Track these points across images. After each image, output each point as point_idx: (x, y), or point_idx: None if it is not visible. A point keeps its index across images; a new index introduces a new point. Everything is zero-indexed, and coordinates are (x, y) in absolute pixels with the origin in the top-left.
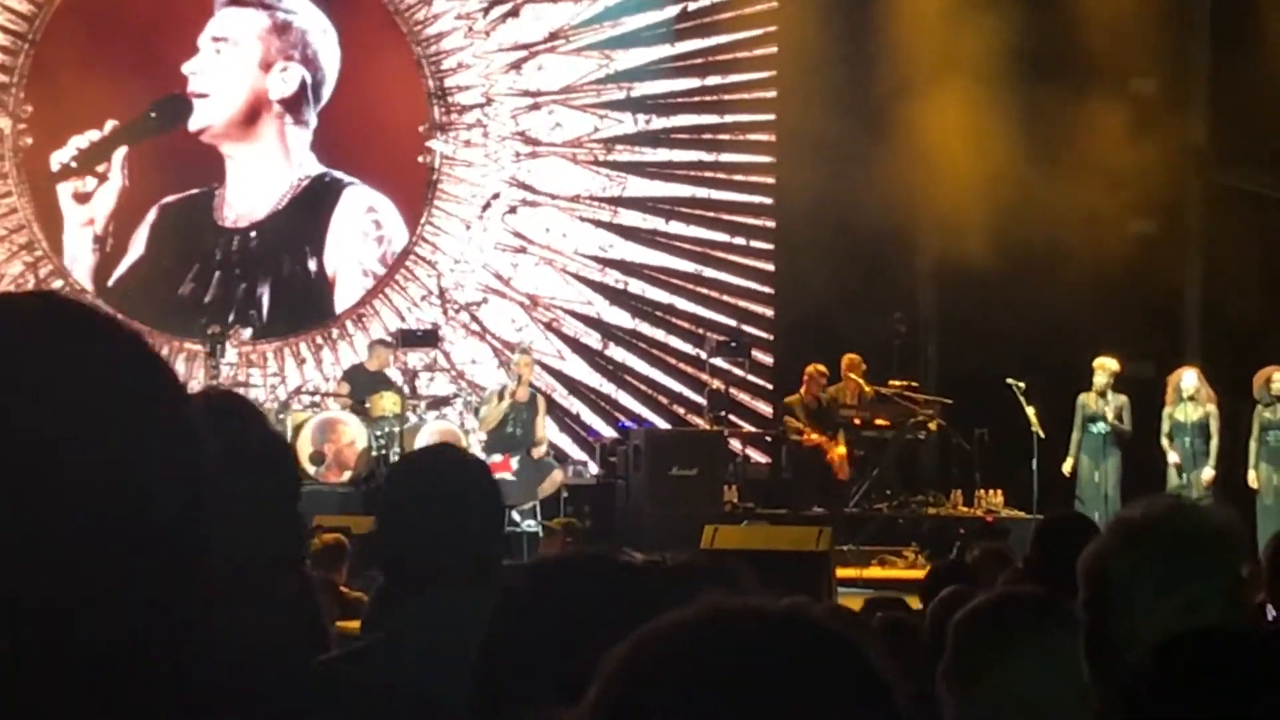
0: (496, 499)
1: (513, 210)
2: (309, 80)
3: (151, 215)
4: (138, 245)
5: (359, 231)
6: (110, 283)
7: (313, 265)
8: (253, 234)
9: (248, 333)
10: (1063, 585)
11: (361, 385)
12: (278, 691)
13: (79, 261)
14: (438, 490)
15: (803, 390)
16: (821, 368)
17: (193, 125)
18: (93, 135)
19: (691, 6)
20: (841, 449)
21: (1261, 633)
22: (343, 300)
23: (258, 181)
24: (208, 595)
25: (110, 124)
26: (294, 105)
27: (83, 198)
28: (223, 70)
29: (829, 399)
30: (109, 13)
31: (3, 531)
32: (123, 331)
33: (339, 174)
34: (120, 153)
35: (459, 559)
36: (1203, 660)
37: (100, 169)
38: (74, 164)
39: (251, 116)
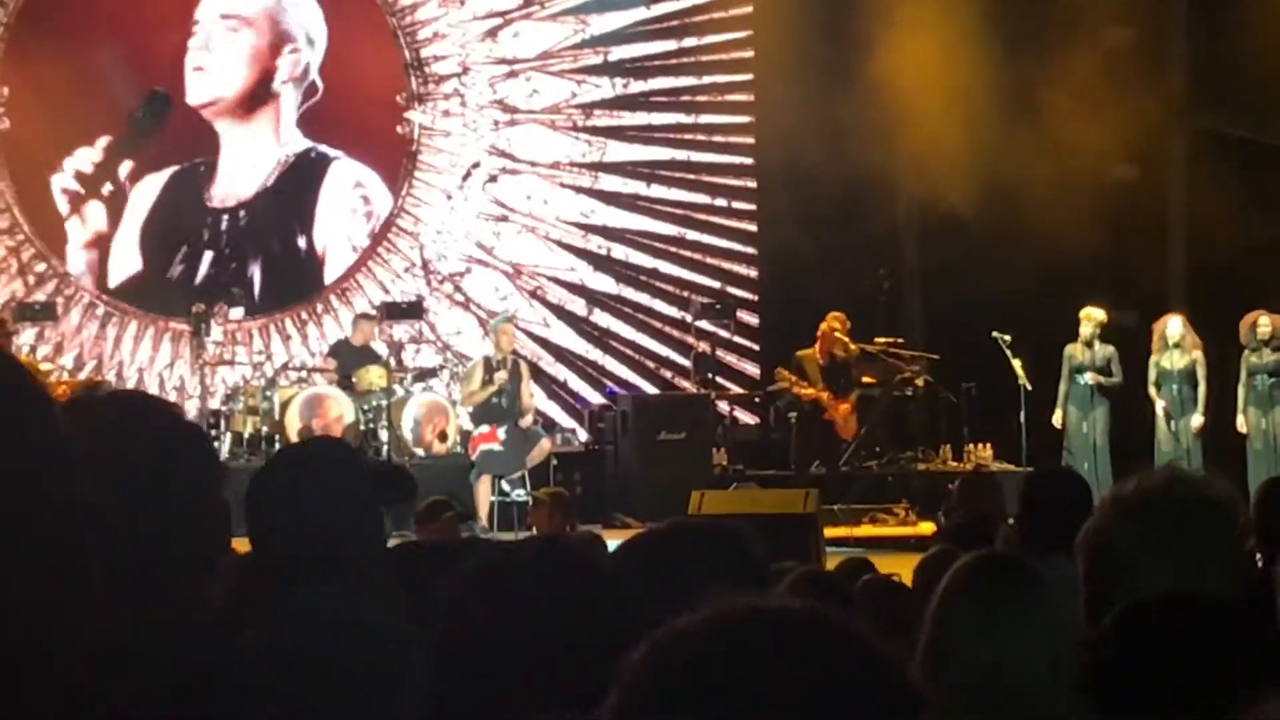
0: (362, 499)
1: (493, 179)
2: (311, 61)
3: (141, 195)
4: (132, 223)
5: (347, 207)
6: (112, 285)
7: (302, 242)
8: (241, 213)
9: (239, 311)
10: (1050, 540)
11: (348, 360)
12: (150, 693)
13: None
14: (296, 490)
15: (817, 346)
16: (839, 318)
17: (196, 100)
18: (89, 155)
19: None
20: (846, 406)
21: (1217, 601)
22: (333, 276)
23: (248, 160)
24: (92, 597)
25: (103, 140)
26: (293, 84)
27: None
28: (231, 48)
29: (846, 356)
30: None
31: None
32: None
33: (324, 148)
34: (125, 168)
35: (321, 556)
36: (1156, 625)
37: (105, 190)
38: (81, 189)
39: (254, 96)
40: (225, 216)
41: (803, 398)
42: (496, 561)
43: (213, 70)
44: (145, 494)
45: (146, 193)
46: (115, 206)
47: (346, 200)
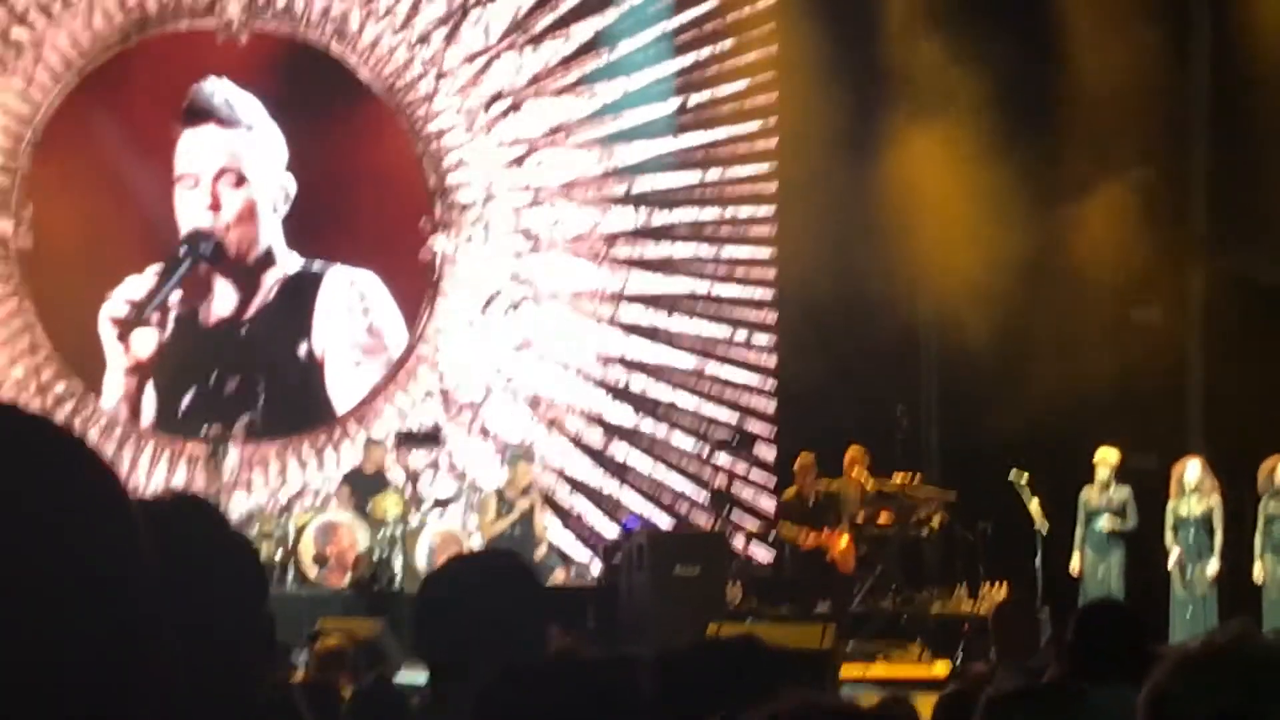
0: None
1: (515, 307)
2: (286, 189)
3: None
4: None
5: (343, 307)
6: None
7: (302, 350)
8: (242, 329)
9: (243, 421)
10: (1101, 670)
11: (361, 488)
12: None
13: (113, 388)
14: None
15: (796, 486)
16: (808, 457)
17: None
18: (139, 284)
19: (692, 101)
20: (843, 542)
21: None
22: (334, 380)
23: (245, 283)
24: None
25: (153, 269)
26: (271, 209)
27: (131, 343)
28: (235, 204)
29: (826, 492)
30: (111, 111)
31: None
32: (59, 435)
33: (320, 260)
34: (175, 296)
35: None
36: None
37: (154, 318)
38: (131, 315)
39: (248, 231)
40: (225, 334)
41: (805, 548)
42: (520, 672)
43: (230, 230)
44: (197, 602)
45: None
46: (163, 335)
47: (343, 300)
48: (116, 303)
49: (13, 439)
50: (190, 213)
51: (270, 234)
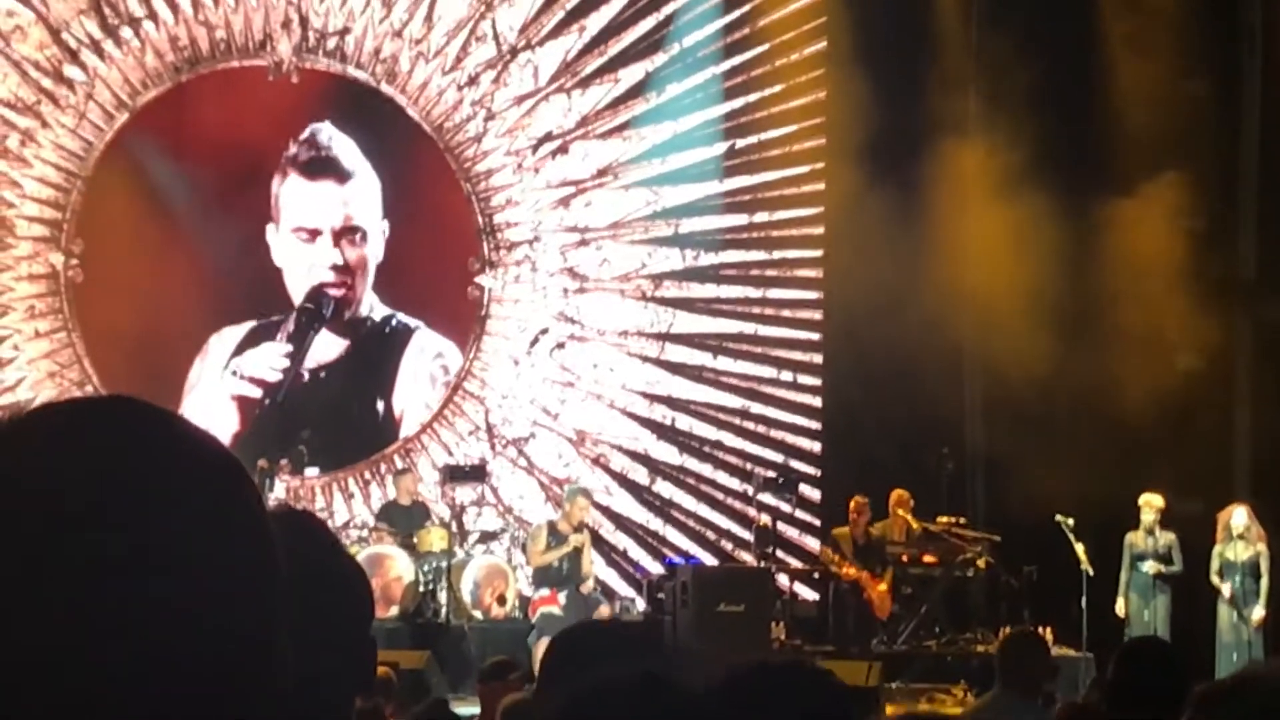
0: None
1: (561, 346)
2: (385, 233)
3: (218, 347)
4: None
5: (427, 375)
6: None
7: (380, 406)
8: (322, 374)
9: (314, 470)
10: (1143, 705)
11: (398, 520)
12: None
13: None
14: None
15: (850, 524)
16: (862, 499)
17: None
18: (264, 356)
19: (739, 144)
20: (883, 586)
21: None
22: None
23: (337, 334)
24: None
25: (287, 330)
26: (362, 270)
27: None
28: (304, 257)
29: (877, 536)
30: (162, 147)
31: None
32: (205, 440)
33: (404, 317)
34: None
35: None
36: None
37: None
38: (269, 393)
39: (361, 285)
40: (306, 376)
41: (844, 577)
42: (593, 688)
43: (291, 274)
44: (310, 618)
45: (224, 345)
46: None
47: (427, 368)
48: (243, 382)
49: (164, 443)
50: (308, 267)
51: (368, 288)
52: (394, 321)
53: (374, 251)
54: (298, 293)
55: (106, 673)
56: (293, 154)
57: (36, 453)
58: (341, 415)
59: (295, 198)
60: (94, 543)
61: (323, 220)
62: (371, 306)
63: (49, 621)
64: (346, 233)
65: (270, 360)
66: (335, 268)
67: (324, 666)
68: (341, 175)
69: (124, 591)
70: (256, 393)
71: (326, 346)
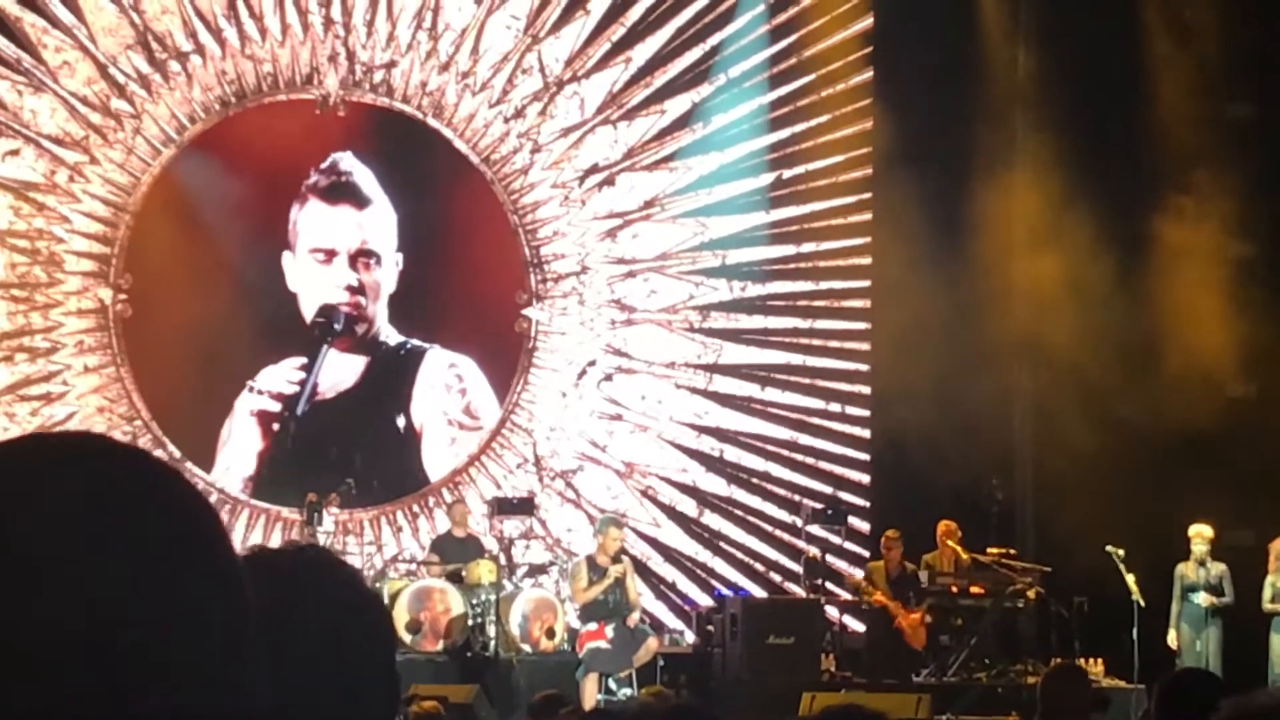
0: None
1: (608, 378)
2: (395, 257)
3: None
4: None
5: (441, 384)
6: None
7: (400, 421)
8: (343, 401)
9: (340, 489)
10: None
11: (450, 553)
12: None
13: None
14: None
15: (884, 558)
16: (892, 533)
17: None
18: (279, 375)
19: (786, 174)
20: (915, 616)
21: None
22: (430, 452)
23: (348, 357)
24: None
25: (291, 362)
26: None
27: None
28: (321, 279)
29: (912, 570)
30: (209, 181)
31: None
32: (172, 478)
33: (416, 341)
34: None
35: None
36: None
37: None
38: (283, 412)
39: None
40: (326, 406)
41: (874, 604)
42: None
43: (306, 296)
44: (327, 656)
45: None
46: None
47: (441, 378)
48: (263, 397)
49: (136, 480)
50: (322, 287)
51: (383, 309)
52: (408, 345)
53: (387, 278)
54: (312, 313)
55: (65, 709)
56: (313, 181)
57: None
58: (366, 436)
59: (313, 221)
60: (51, 581)
61: (339, 242)
62: (386, 333)
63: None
64: (362, 255)
65: (286, 374)
66: (350, 289)
67: (345, 698)
68: (360, 201)
69: (80, 629)
70: (275, 406)
71: (344, 368)
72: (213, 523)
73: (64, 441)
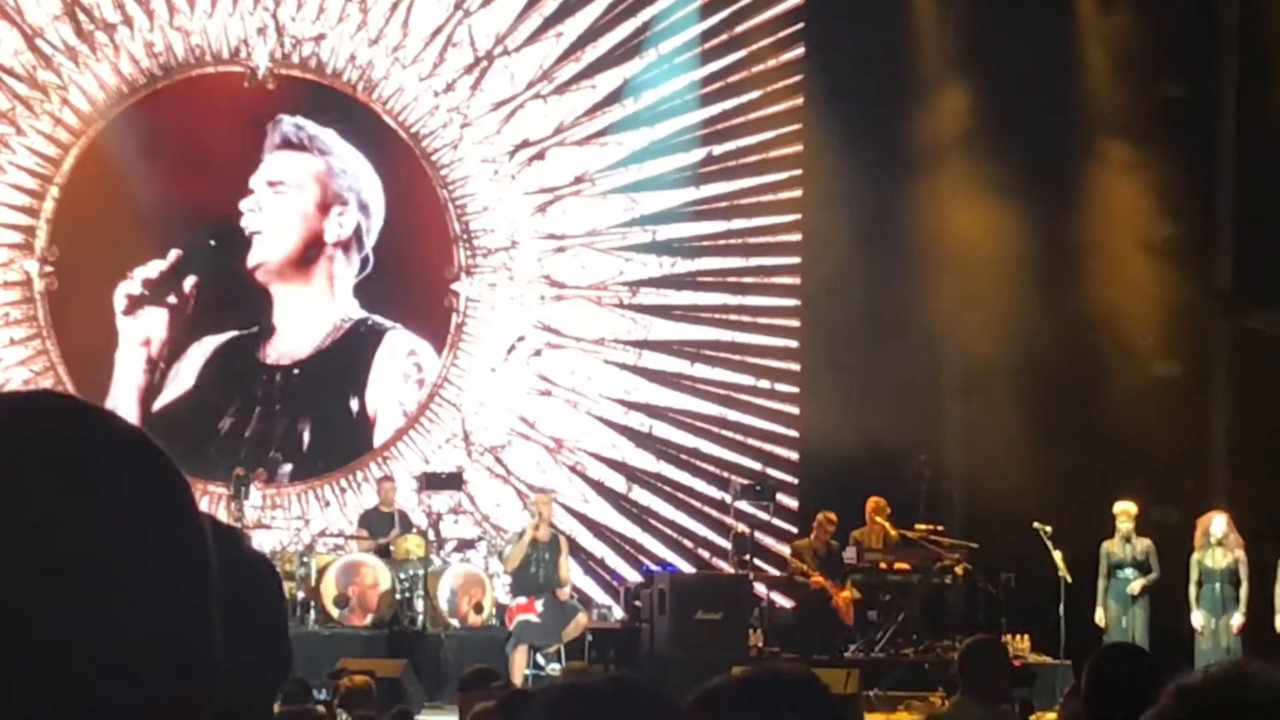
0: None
1: (538, 353)
2: (362, 224)
3: (197, 353)
4: (184, 379)
5: (400, 373)
6: (155, 408)
7: (354, 404)
8: (295, 371)
9: (288, 467)
10: (1118, 709)
11: (377, 527)
12: None
13: (127, 380)
14: None
15: (813, 536)
16: (832, 515)
17: (250, 261)
18: (158, 264)
19: (717, 150)
20: (847, 594)
21: None
22: (383, 439)
23: (303, 321)
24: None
25: (174, 252)
26: (345, 248)
27: (141, 319)
28: (280, 210)
29: (837, 547)
30: (137, 154)
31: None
32: (137, 438)
33: (379, 318)
34: (190, 281)
35: None
36: None
37: (170, 298)
38: (146, 292)
39: (305, 257)
40: (279, 374)
41: (813, 585)
42: (571, 689)
43: (264, 233)
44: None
45: (202, 351)
46: (176, 317)
47: (400, 366)
48: (134, 281)
49: (103, 442)
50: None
51: (348, 277)
52: (369, 322)
53: (343, 230)
54: (279, 251)
55: (47, 647)
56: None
57: None
58: (317, 413)
59: (275, 166)
60: (25, 531)
61: (295, 175)
62: (345, 305)
63: None
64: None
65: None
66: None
67: (243, 657)
68: (322, 151)
69: (59, 572)
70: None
71: (299, 336)
72: (175, 473)
73: (19, 399)
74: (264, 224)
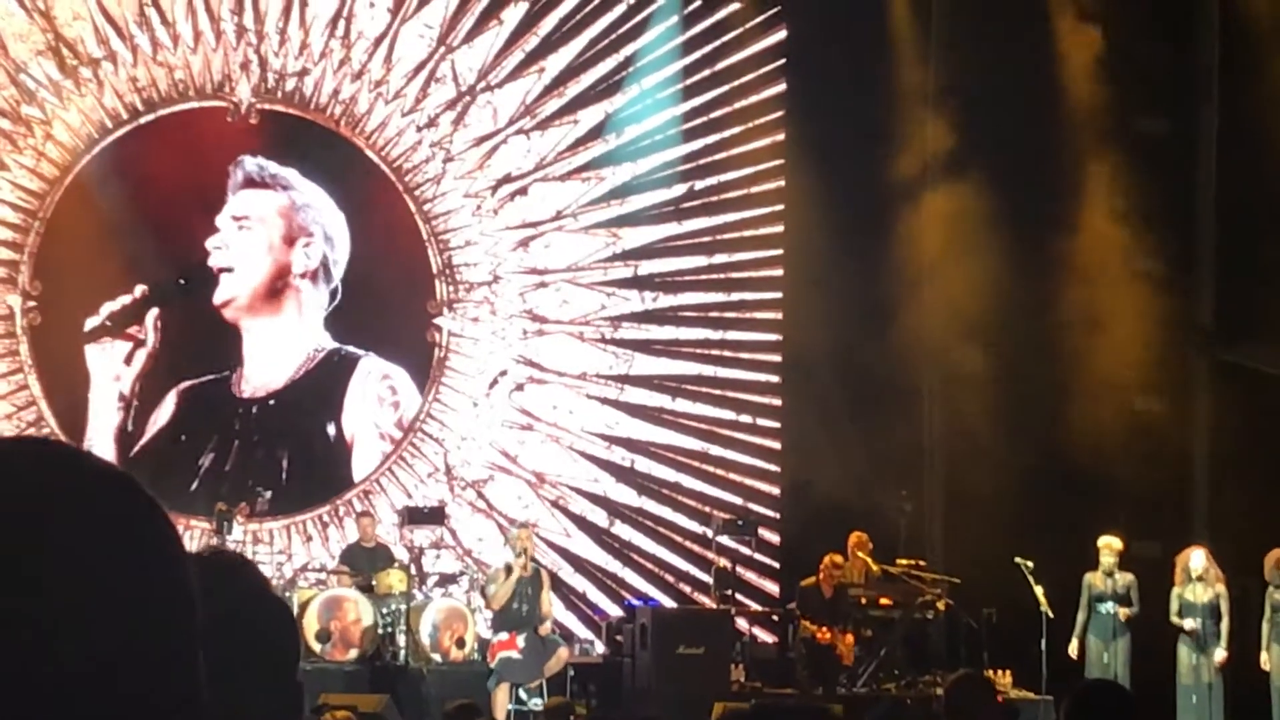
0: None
1: (520, 388)
2: (329, 256)
3: (171, 399)
4: (161, 420)
5: (374, 396)
6: (133, 453)
7: (331, 429)
8: (270, 402)
9: (269, 494)
10: None
11: (359, 562)
12: None
13: (103, 420)
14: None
15: (820, 576)
16: (839, 558)
17: (217, 298)
18: (124, 299)
19: (699, 185)
20: (850, 638)
21: None
22: (361, 463)
23: (275, 354)
24: None
25: (140, 288)
26: (314, 278)
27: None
28: (246, 246)
29: (844, 588)
30: (121, 188)
31: None
32: (121, 481)
33: (351, 348)
34: (152, 314)
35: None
36: None
37: (133, 330)
38: (108, 323)
39: (273, 290)
40: (255, 407)
41: (819, 640)
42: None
43: (233, 267)
44: (234, 660)
45: (177, 394)
46: (144, 351)
47: (374, 390)
48: (99, 315)
49: (80, 484)
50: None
51: (317, 309)
52: (341, 352)
53: (307, 261)
54: (246, 285)
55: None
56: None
57: None
58: (294, 441)
59: (239, 203)
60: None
61: (266, 213)
62: (314, 332)
63: None
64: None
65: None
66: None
67: (248, 706)
68: (285, 188)
69: (34, 629)
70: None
71: (274, 368)
72: (160, 518)
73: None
74: (231, 260)
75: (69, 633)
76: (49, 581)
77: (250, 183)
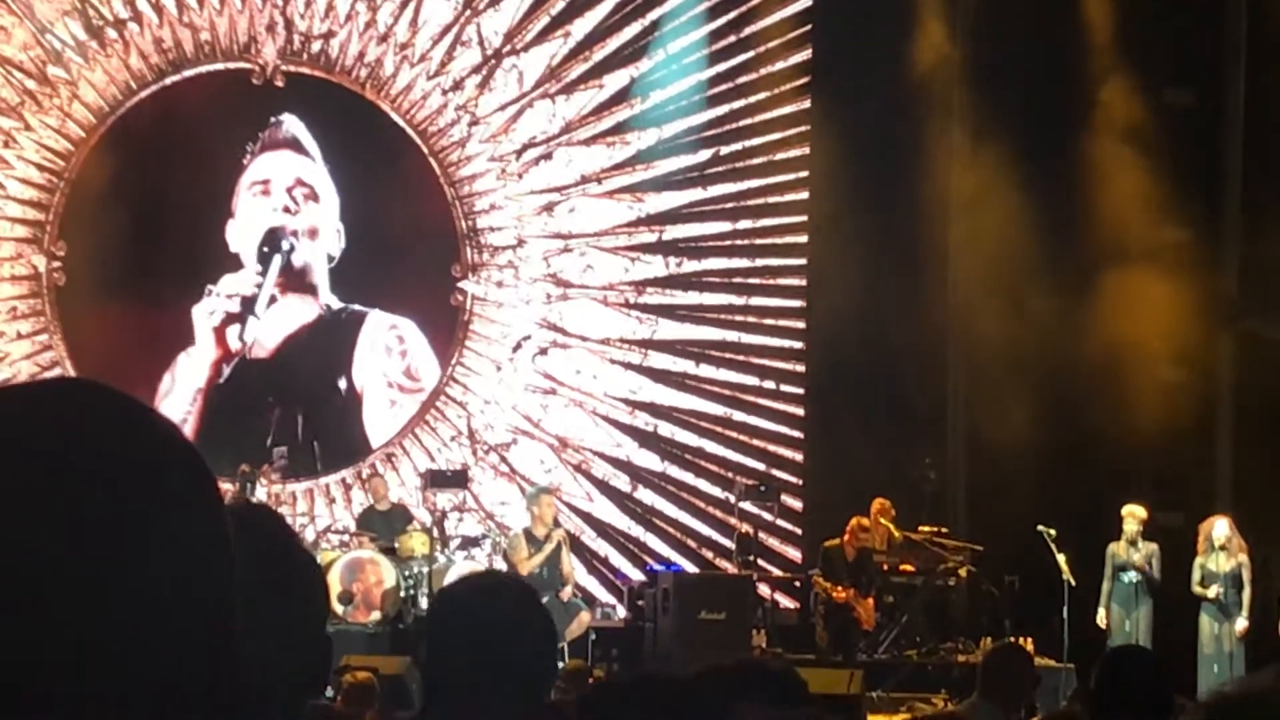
0: (539, 625)
1: (543, 352)
2: (329, 218)
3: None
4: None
5: (382, 345)
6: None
7: (342, 383)
8: (280, 362)
9: (284, 449)
10: (1126, 712)
11: (375, 525)
12: None
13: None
14: (478, 620)
15: (846, 538)
16: (866, 522)
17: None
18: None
19: (724, 151)
20: (870, 602)
21: None
22: (372, 416)
23: (283, 314)
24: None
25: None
26: (313, 236)
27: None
28: (254, 208)
29: (870, 552)
30: (146, 150)
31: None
32: (159, 423)
33: (358, 306)
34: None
35: (499, 685)
36: None
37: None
38: (238, 309)
39: (277, 249)
40: (264, 365)
41: (836, 600)
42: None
43: (241, 233)
44: (263, 614)
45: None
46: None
47: (382, 339)
48: (220, 299)
49: (122, 426)
50: (263, 215)
51: (323, 269)
52: (347, 310)
53: (325, 223)
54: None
55: (65, 653)
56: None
57: None
58: (306, 397)
59: (256, 167)
60: (52, 525)
61: (276, 174)
62: (325, 297)
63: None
64: (298, 187)
65: (242, 284)
66: (287, 210)
67: (275, 662)
68: (300, 149)
69: (83, 572)
70: (235, 307)
71: (284, 328)
72: (204, 468)
73: (54, 386)
74: (241, 226)
75: (115, 575)
76: (93, 524)
77: (275, 144)
